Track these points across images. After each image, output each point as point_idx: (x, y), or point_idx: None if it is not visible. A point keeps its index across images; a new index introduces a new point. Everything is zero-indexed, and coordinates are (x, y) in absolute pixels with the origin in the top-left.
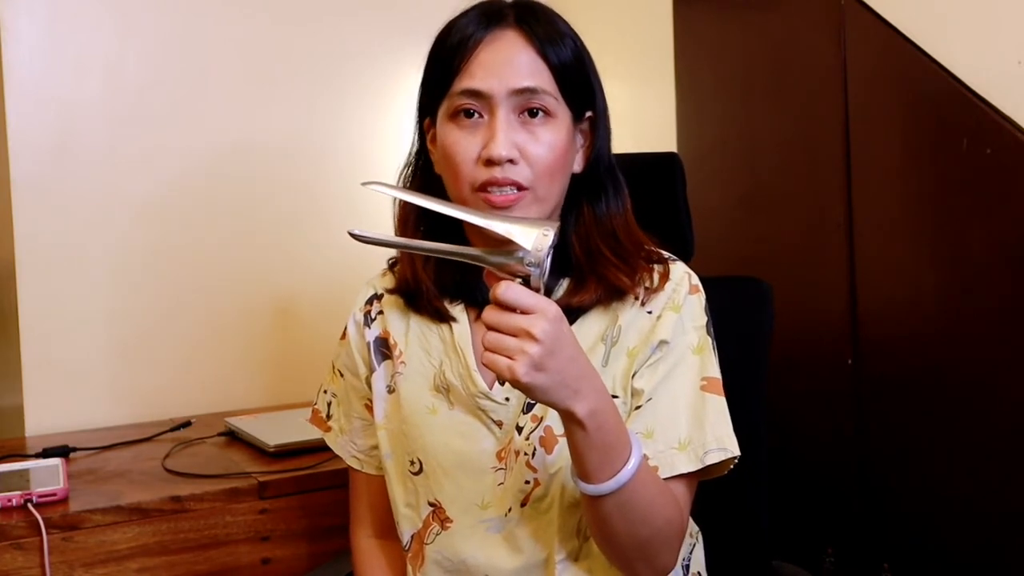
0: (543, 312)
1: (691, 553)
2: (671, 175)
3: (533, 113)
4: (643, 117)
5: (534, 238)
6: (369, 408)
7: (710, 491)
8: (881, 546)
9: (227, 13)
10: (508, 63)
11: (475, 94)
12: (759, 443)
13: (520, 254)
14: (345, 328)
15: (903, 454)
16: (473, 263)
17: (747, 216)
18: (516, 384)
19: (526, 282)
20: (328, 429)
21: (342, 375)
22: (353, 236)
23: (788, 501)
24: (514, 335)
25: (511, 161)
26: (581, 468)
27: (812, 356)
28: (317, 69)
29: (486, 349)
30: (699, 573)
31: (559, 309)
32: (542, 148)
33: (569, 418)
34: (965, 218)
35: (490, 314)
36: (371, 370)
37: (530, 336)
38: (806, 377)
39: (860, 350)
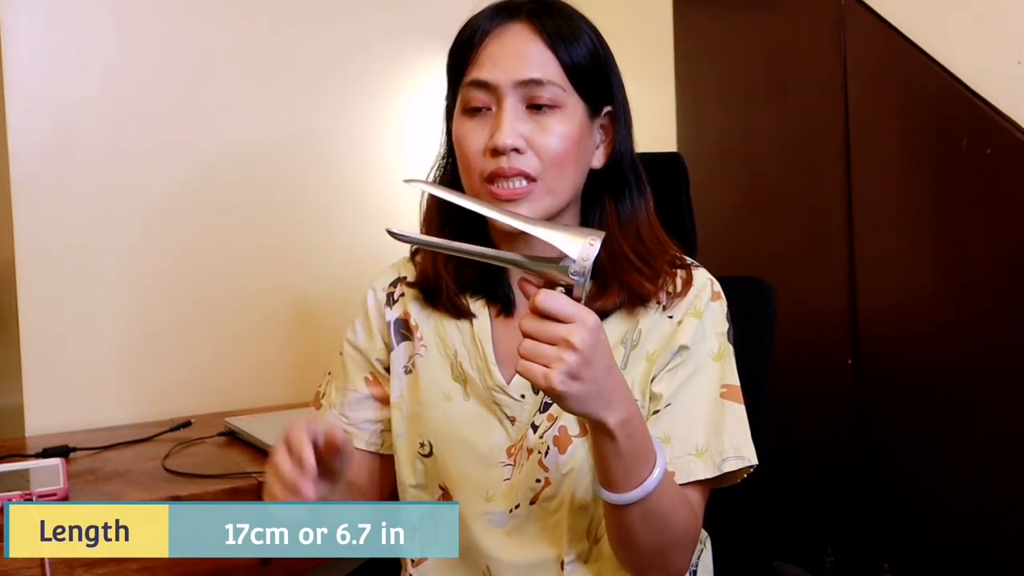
0: (583, 321)
1: (699, 559)
2: (674, 175)
3: (540, 105)
4: (643, 117)
5: (580, 248)
6: (369, 382)
7: (711, 492)
8: (881, 546)
9: (227, 13)
10: (514, 54)
11: (482, 85)
12: (761, 444)
13: (564, 263)
14: (365, 301)
15: (903, 454)
16: (513, 268)
17: (747, 216)
18: (551, 392)
19: (568, 291)
20: (319, 407)
21: (343, 350)
22: (392, 235)
23: (788, 501)
24: (552, 343)
25: (517, 151)
26: (607, 477)
27: (812, 356)
28: (318, 68)
29: (522, 357)
30: None
31: (598, 319)
32: (551, 138)
33: (600, 428)
34: (965, 218)
35: (528, 322)
36: (389, 348)
37: (569, 345)
38: (806, 377)
39: (860, 350)
